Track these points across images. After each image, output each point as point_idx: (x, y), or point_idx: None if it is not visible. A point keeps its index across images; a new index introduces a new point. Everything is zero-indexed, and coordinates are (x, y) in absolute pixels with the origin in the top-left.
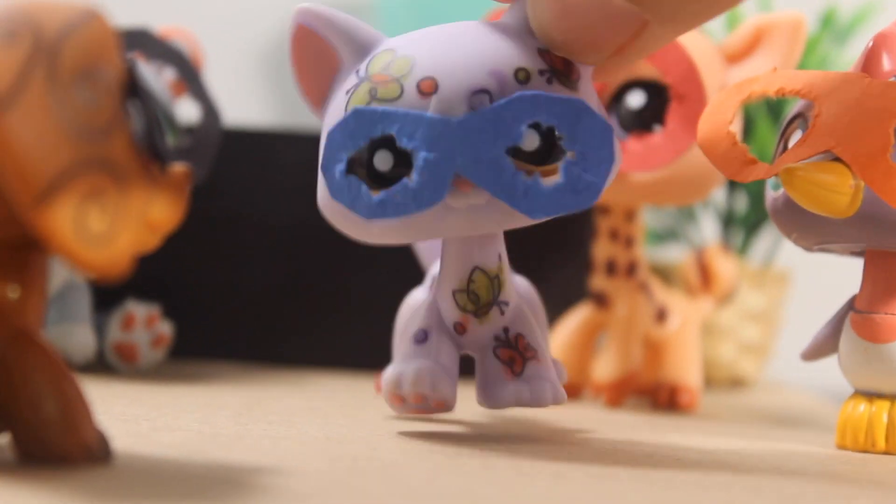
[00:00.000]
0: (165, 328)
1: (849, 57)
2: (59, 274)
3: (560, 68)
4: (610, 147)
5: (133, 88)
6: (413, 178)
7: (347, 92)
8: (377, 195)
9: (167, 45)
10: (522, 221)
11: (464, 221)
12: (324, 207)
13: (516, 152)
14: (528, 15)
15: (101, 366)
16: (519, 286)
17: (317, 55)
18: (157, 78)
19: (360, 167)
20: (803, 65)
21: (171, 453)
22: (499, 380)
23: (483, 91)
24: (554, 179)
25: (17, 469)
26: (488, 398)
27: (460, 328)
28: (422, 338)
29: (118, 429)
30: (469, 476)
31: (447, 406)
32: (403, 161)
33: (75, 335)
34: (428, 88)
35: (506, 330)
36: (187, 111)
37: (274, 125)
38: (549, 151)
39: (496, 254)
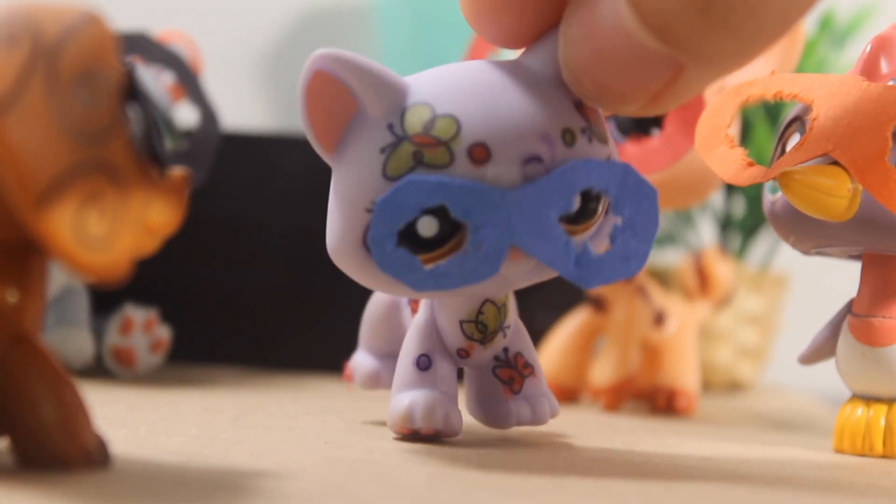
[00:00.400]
0: (163, 332)
1: (847, 60)
2: (57, 278)
3: (594, 123)
4: (655, 210)
5: (132, 92)
6: (468, 251)
7: (383, 150)
8: (429, 267)
9: (166, 49)
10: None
11: (507, 284)
12: (338, 253)
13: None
14: (561, 64)
15: (100, 370)
16: None
17: (332, 99)
18: (156, 82)
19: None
20: (801, 68)
21: (170, 458)
22: (498, 398)
23: (536, 158)
24: (601, 246)
25: (16, 473)
26: (488, 416)
27: (464, 353)
28: (425, 364)
29: (117, 433)
30: (466, 480)
31: (456, 433)
32: (449, 227)
33: (73, 339)
34: (480, 156)
35: (505, 350)
36: (186, 115)
37: (272, 129)
38: (582, 212)
39: None
